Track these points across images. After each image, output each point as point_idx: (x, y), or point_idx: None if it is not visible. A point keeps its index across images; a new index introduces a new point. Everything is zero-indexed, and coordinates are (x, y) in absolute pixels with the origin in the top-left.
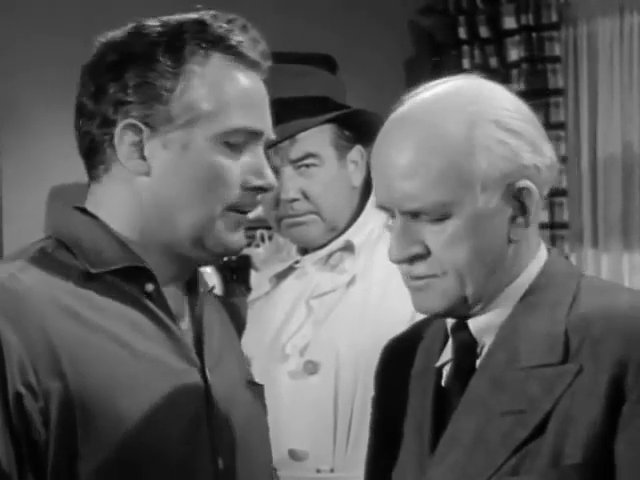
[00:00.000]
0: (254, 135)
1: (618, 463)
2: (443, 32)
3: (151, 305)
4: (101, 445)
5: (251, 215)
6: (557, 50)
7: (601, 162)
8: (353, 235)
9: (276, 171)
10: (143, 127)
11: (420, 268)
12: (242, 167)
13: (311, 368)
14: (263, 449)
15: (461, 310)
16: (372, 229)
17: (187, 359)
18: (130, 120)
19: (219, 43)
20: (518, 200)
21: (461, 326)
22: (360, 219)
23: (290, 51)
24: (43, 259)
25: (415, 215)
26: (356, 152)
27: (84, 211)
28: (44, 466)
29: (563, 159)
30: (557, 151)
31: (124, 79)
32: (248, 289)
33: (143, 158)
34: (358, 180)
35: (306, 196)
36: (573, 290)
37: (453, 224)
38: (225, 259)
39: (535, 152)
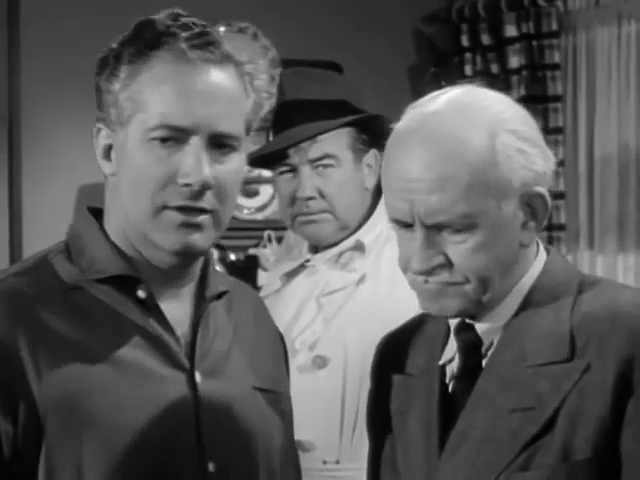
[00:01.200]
0: (182, 132)
1: (624, 457)
2: (446, 40)
3: (140, 311)
4: (74, 446)
5: (260, 217)
6: (556, 57)
7: (598, 166)
8: (364, 235)
9: (294, 169)
10: (106, 129)
11: (442, 277)
12: (173, 165)
13: (320, 363)
14: (270, 453)
15: (473, 312)
16: (382, 230)
17: (173, 364)
18: (98, 124)
19: (158, 41)
20: (530, 206)
21: (466, 326)
22: (371, 220)
23: (296, 58)
24: (37, 266)
25: (438, 228)
26: (371, 156)
27: (97, 212)
28: (14, 460)
29: (561, 163)
30: (556, 155)
31: (97, 85)
32: (255, 288)
33: (110, 159)
34: (371, 183)
35: (322, 195)
36: (575, 289)
37: (476, 234)
38: (233, 258)
39: (545, 158)
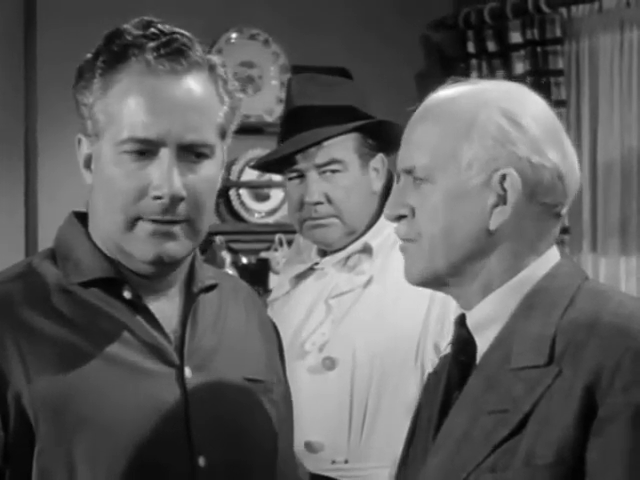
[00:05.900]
0: (151, 144)
1: (589, 468)
2: (452, 46)
3: (128, 311)
4: (65, 447)
5: (271, 220)
6: (560, 64)
7: (601, 170)
8: (371, 238)
9: (302, 175)
10: (86, 140)
11: (402, 229)
12: (144, 177)
13: (329, 364)
14: (264, 445)
15: (434, 284)
16: (389, 233)
17: (163, 360)
18: (79, 134)
19: (125, 54)
20: (503, 189)
21: (462, 321)
22: (378, 223)
23: (306, 65)
24: (23, 272)
25: (413, 179)
26: (378, 160)
27: (84, 216)
28: (5, 464)
29: None
30: None
31: (74, 96)
32: (266, 291)
33: (91, 169)
34: (378, 186)
35: (329, 200)
36: (572, 293)
37: (434, 191)
38: (244, 262)
39: (534, 150)
